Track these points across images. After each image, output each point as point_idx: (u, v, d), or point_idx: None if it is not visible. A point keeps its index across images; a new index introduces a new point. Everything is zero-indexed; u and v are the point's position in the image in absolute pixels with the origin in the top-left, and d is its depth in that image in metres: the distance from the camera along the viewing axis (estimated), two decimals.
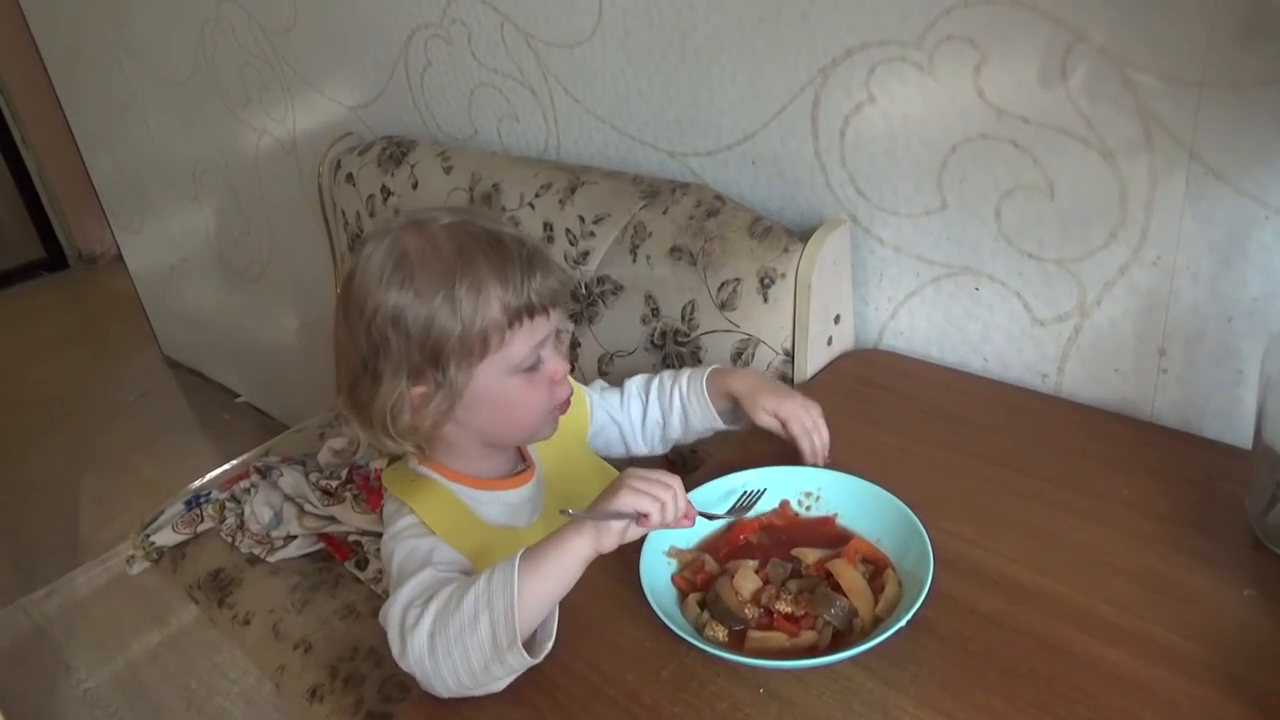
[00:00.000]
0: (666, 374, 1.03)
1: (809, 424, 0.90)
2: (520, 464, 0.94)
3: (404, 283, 0.78)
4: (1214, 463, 0.86)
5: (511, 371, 0.82)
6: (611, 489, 0.73)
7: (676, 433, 1.02)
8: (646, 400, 1.02)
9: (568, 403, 0.89)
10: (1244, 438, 0.86)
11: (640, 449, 1.05)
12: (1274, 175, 0.80)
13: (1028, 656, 0.69)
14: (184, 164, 2.32)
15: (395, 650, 0.72)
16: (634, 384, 1.04)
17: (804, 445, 0.89)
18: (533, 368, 0.83)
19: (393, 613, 0.73)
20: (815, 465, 0.89)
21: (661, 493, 0.72)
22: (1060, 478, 0.87)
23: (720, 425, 0.99)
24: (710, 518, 0.83)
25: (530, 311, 0.81)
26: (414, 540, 0.80)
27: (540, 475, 0.94)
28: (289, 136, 1.90)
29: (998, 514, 0.83)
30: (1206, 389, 0.91)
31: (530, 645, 0.70)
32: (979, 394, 1.02)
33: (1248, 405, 0.88)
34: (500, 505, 0.89)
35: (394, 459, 0.95)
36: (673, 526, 0.74)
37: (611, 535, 0.71)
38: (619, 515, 0.72)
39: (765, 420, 0.91)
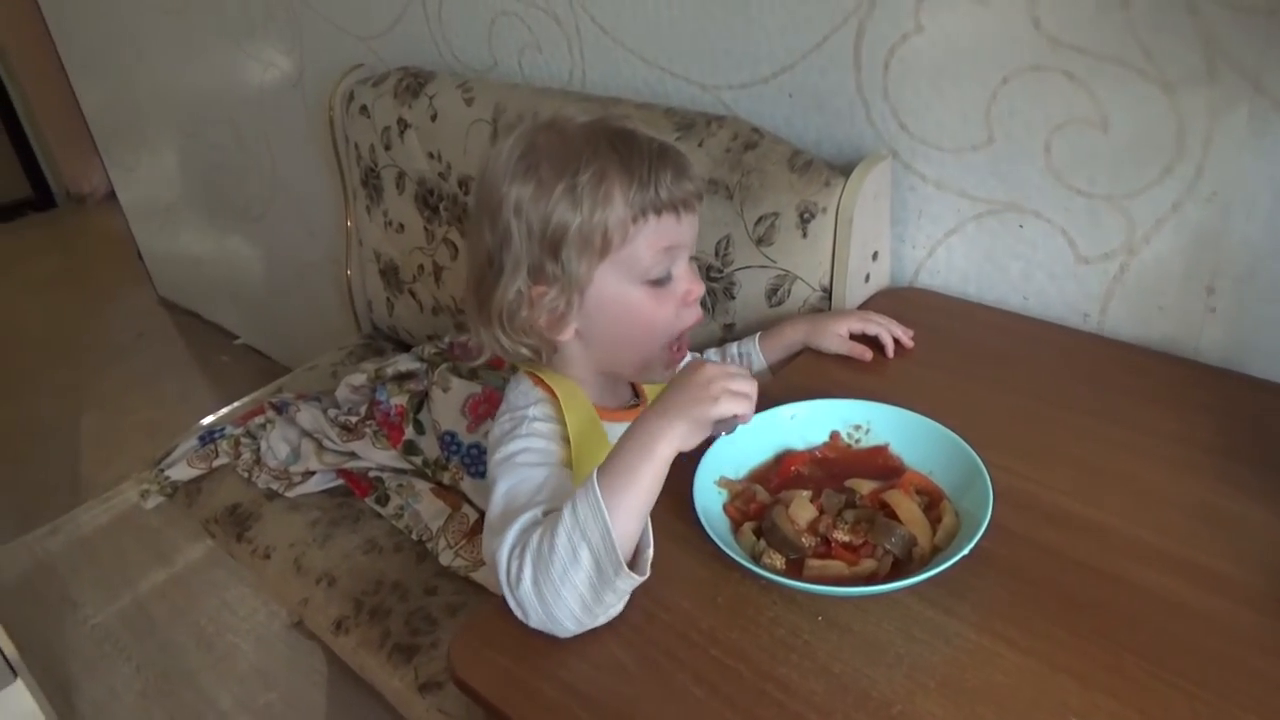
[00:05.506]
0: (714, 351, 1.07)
1: (880, 320, 0.98)
2: (634, 398, 0.92)
3: (528, 173, 0.77)
4: (1263, 399, 0.86)
5: (636, 279, 0.79)
6: (698, 387, 0.70)
7: None
8: None
9: (685, 344, 0.86)
10: None
11: None
12: None
13: (1087, 586, 0.69)
14: (182, 98, 2.26)
15: (509, 602, 0.69)
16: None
17: (886, 339, 0.97)
18: (660, 282, 0.80)
19: (499, 557, 0.69)
20: (906, 346, 0.98)
21: (750, 389, 0.72)
22: (1107, 413, 0.86)
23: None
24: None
25: (656, 208, 0.77)
26: (526, 470, 0.76)
27: None
28: (296, 69, 1.85)
29: (1046, 448, 0.83)
30: (1254, 327, 0.91)
31: (633, 562, 0.68)
32: (1019, 331, 1.02)
33: None
34: (618, 435, 0.86)
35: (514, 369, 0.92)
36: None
37: (700, 436, 0.70)
38: (727, 424, 0.71)
39: (838, 344, 0.98)
